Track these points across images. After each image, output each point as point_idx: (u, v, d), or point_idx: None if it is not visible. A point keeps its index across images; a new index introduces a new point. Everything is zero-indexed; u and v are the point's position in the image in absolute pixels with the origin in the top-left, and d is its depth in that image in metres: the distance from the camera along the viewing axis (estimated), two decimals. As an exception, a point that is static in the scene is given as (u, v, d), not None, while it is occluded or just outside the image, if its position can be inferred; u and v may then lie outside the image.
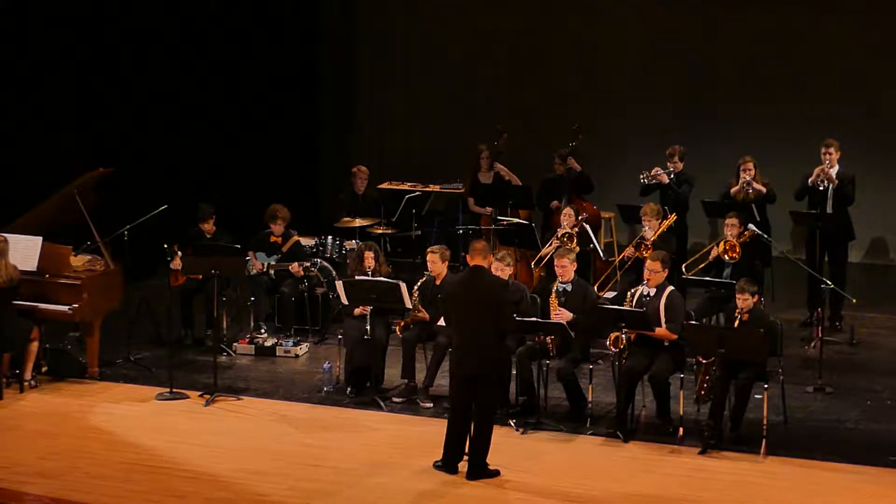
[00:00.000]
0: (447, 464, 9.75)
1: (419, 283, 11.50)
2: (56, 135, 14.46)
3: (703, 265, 12.51)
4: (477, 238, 14.35)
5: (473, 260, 9.77)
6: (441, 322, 11.00)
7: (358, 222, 14.19)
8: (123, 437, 10.55)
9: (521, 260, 13.93)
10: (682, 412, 10.59)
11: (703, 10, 16.59)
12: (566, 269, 11.06)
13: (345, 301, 11.41)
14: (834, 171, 13.11)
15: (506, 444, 10.29)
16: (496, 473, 9.71)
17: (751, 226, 12.46)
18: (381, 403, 11.20)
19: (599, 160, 15.13)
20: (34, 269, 11.75)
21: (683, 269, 12.52)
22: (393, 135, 18.03)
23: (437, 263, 11.41)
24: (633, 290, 10.97)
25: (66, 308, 11.77)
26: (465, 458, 9.75)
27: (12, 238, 11.63)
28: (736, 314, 10.51)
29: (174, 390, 11.49)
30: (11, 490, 9.44)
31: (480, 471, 9.69)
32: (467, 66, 17.51)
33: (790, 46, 16.24)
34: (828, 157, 13.13)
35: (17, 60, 14.10)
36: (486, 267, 9.83)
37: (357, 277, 11.59)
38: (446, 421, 9.87)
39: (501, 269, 11.07)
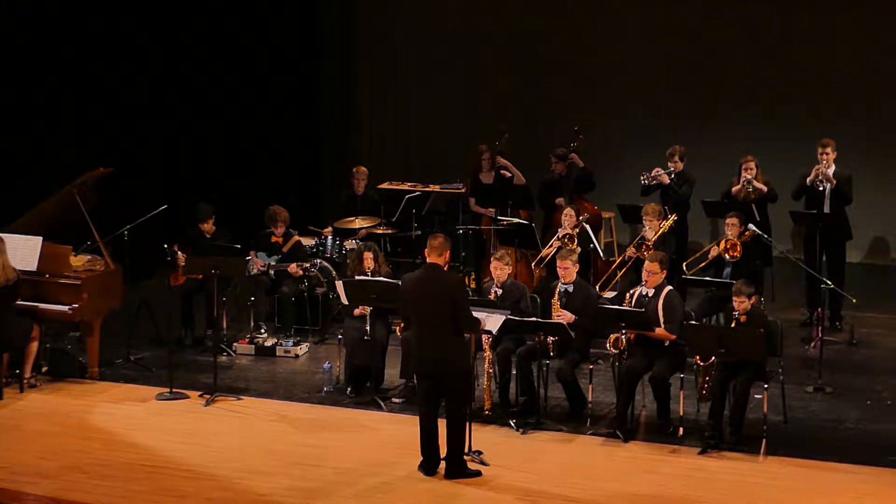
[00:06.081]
0: (424, 465, 9.70)
1: None
2: (56, 135, 14.46)
3: (703, 264, 12.52)
4: (478, 238, 14.48)
5: (430, 257, 9.69)
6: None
7: (358, 223, 14.18)
8: (123, 437, 10.54)
9: (521, 260, 13.94)
10: (682, 412, 10.59)
11: (703, 10, 16.59)
12: (568, 270, 11.07)
13: (345, 301, 11.41)
14: (830, 171, 13.10)
15: (506, 444, 10.30)
16: (477, 473, 9.66)
17: (751, 226, 12.45)
18: (381, 403, 11.19)
19: (600, 160, 15.11)
20: (34, 269, 11.75)
21: (684, 268, 12.53)
22: (393, 135, 18.03)
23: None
24: (631, 291, 10.98)
25: (66, 308, 11.77)
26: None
27: (12, 238, 11.64)
28: (733, 315, 10.51)
29: (174, 390, 11.49)
30: (11, 490, 9.43)
31: (458, 470, 9.62)
32: (467, 67, 17.51)
33: (790, 46, 16.23)
34: (824, 156, 13.11)
35: (16, 60, 14.10)
36: (442, 265, 9.72)
37: (357, 277, 11.59)
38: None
39: (501, 268, 11.10)
